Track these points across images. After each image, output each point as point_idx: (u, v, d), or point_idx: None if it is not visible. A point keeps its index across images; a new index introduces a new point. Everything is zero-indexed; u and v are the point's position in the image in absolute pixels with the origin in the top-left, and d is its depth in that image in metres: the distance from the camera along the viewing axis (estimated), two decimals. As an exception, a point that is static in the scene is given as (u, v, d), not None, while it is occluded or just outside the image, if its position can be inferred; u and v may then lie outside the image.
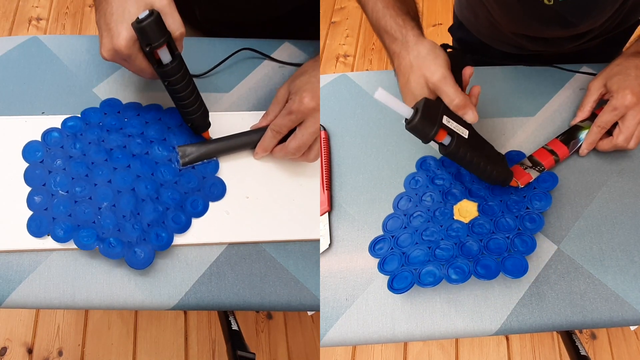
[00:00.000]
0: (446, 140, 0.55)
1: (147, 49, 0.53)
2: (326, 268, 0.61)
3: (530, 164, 0.64)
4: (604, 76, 0.66)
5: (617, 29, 0.76)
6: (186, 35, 0.57)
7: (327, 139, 0.69)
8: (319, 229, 0.62)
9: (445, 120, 0.55)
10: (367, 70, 1.76)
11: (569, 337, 0.90)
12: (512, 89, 0.73)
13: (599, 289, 0.58)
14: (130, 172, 0.60)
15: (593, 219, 0.62)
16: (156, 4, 0.54)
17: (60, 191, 0.58)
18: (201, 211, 0.60)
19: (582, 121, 0.67)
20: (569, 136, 0.66)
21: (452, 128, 0.55)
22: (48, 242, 0.56)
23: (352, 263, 0.61)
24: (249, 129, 0.65)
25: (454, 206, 0.62)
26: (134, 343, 1.27)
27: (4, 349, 1.23)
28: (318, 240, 0.61)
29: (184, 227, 0.59)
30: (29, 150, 0.61)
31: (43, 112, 0.66)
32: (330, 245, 0.62)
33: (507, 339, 1.29)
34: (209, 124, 0.63)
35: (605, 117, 0.64)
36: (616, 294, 0.57)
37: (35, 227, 0.57)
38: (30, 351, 1.24)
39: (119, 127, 0.64)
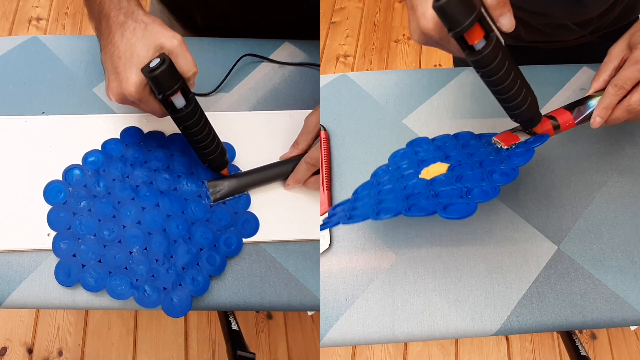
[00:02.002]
0: (479, 43, 0.44)
1: (160, 97, 0.52)
2: (326, 268, 0.61)
3: (521, 129, 0.57)
4: (627, 36, 0.57)
5: (614, 24, 0.76)
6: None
7: (327, 139, 0.70)
8: (319, 229, 0.62)
9: (484, 13, 0.43)
10: (367, 70, 1.76)
11: (569, 337, 0.90)
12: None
13: (599, 289, 0.58)
14: (159, 212, 0.58)
15: (593, 219, 0.62)
16: (166, 45, 0.53)
17: (87, 235, 0.56)
18: (235, 249, 0.58)
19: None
20: (576, 103, 0.58)
21: (491, 25, 0.44)
22: (48, 242, 0.56)
23: (352, 263, 0.61)
24: (278, 160, 0.63)
25: (425, 168, 0.57)
26: (134, 343, 1.27)
27: (4, 349, 1.23)
28: (318, 240, 0.61)
29: (219, 269, 0.57)
30: (50, 192, 0.59)
31: (43, 112, 0.66)
32: (330, 245, 0.62)
33: (507, 339, 1.29)
34: (227, 162, 0.61)
35: (625, 74, 0.54)
36: (616, 294, 0.57)
37: (64, 276, 0.55)
38: (30, 351, 1.24)
39: (143, 160, 0.62)
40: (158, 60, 0.51)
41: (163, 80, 0.51)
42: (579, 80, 0.73)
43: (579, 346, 0.87)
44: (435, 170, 0.56)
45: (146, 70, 0.51)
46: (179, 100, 0.53)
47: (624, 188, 0.64)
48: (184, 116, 0.54)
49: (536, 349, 1.28)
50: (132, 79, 0.51)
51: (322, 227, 0.57)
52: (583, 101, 0.58)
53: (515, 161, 0.51)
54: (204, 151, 0.58)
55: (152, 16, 0.55)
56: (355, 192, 0.63)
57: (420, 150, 0.64)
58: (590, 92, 0.59)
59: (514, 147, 0.55)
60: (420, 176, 0.56)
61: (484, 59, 0.45)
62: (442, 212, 0.47)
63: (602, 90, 0.58)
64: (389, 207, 0.52)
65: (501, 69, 0.45)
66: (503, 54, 0.45)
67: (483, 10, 0.43)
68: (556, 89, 0.72)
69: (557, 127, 0.56)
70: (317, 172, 0.62)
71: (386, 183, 0.59)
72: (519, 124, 0.54)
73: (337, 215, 0.59)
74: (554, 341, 1.29)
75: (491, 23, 0.44)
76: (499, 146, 0.56)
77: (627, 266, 0.59)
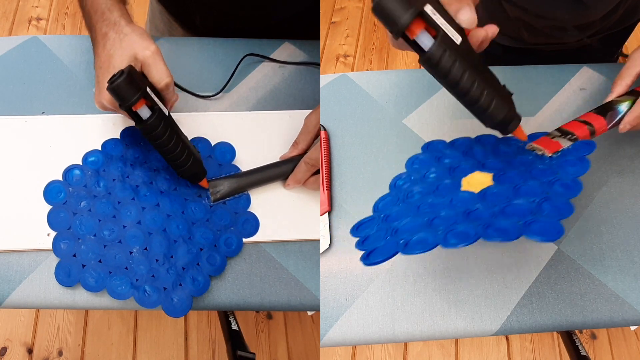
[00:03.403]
0: (426, 40, 0.42)
1: (124, 109, 0.53)
2: (326, 268, 0.61)
3: (558, 134, 0.55)
4: None
5: (616, 26, 0.77)
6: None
7: (327, 139, 0.70)
8: (319, 229, 0.62)
9: (430, 10, 0.41)
10: (367, 70, 1.76)
11: (569, 337, 0.90)
12: (512, 89, 0.72)
13: (599, 289, 0.58)
14: (160, 212, 0.58)
15: (593, 219, 0.62)
16: (139, 56, 0.54)
17: (87, 235, 0.56)
18: (235, 249, 0.58)
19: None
20: (605, 108, 0.57)
21: (437, 23, 0.41)
22: (48, 242, 0.56)
23: (352, 263, 0.61)
24: (278, 160, 0.63)
25: (463, 179, 0.52)
26: (134, 343, 1.27)
27: (4, 349, 1.23)
28: (318, 240, 0.61)
29: (219, 268, 0.57)
30: (50, 192, 0.59)
31: (43, 112, 0.66)
32: (330, 245, 0.62)
33: (507, 339, 1.29)
34: (204, 172, 0.60)
35: None
36: (616, 294, 0.57)
37: (65, 276, 0.55)
38: (30, 351, 1.24)
39: (143, 160, 0.62)
40: (118, 72, 0.52)
41: (121, 92, 0.52)
42: (579, 80, 0.73)
43: (579, 346, 0.87)
44: (479, 181, 0.51)
45: (109, 82, 0.52)
46: (143, 112, 0.54)
47: (624, 188, 0.64)
48: (147, 127, 0.54)
49: (536, 349, 1.28)
50: (105, 90, 0.53)
51: (370, 262, 0.47)
52: (612, 106, 0.57)
53: (570, 171, 0.49)
54: (174, 163, 0.58)
55: (134, 26, 0.57)
56: (377, 209, 0.58)
57: (442, 155, 0.60)
58: (613, 96, 0.59)
59: (559, 154, 0.53)
60: (463, 188, 0.51)
61: (431, 59, 0.43)
62: (528, 232, 0.42)
63: (625, 95, 0.58)
64: (461, 232, 0.44)
65: (450, 67, 0.43)
66: (452, 53, 0.43)
67: (430, 7, 0.41)
68: (556, 89, 0.72)
69: (592, 133, 0.55)
70: (317, 172, 0.62)
71: (422, 196, 0.53)
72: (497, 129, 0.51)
73: (372, 239, 0.50)
74: (554, 341, 1.29)
75: (442, 20, 0.42)
76: (540, 153, 0.53)
77: (627, 266, 0.59)
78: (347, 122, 0.71)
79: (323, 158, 0.67)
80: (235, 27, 0.80)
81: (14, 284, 0.56)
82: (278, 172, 0.62)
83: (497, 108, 0.46)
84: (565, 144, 0.53)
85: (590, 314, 0.56)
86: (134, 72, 0.53)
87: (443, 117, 0.70)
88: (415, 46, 0.43)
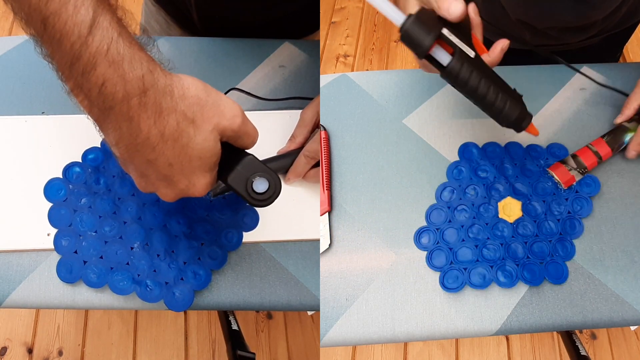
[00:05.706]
0: (444, 58, 0.48)
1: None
2: (326, 268, 0.61)
3: (574, 165, 0.63)
4: None
5: (618, 27, 0.76)
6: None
7: (327, 139, 0.70)
8: (319, 229, 0.62)
9: (447, 32, 0.48)
10: (367, 70, 1.76)
11: (569, 337, 0.90)
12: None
13: (599, 289, 0.58)
14: (160, 208, 0.59)
15: (593, 219, 0.62)
16: (227, 131, 0.45)
17: (88, 232, 0.57)
18: (236, 243, 0.59)
19: (628, 122, 0.65)
20: (615, 138, 0.65)
21: (454, 42, 0.48)
22: (48, 242, 0.56)
23: (352, 263, 0.61)
24: (276, 154, 0.63)
25: (499, 203, 0.62)
26: (134, 343, 1.27)
27: (4, 349, 1.24)
28: (318, 240, 0.61)
29: (221, 262, 0.57)
30: (51, 189, 0.59)
31: (43, 112, 0.66)
32: (330, 245, 0.62)
33: (507, 339, 1.29)
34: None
35: None
36: (616, 294, 0.57)
37: (66, 272, 0.55)
38: (30, 351, 1.24)
39: None
40: (265, 184, 0.46)
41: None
42: (579, 80, 0.73)
43: (579, 346, 0.87)
44: (511, 207, 0.62)
45: (251, 196, 0.45)
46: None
47: (623, 188, 0.64)
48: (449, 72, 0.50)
49: (536, 349, 1.28)
50: (203, 182, 0.44)
51: (447, 288, 0.58)
52: (620, 137, 0.65)
53: (578, 210, 0.62)
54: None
55: (191, 82, 0.45)
56: (429, 220, 0.63)
57: (477, 167, 0.65)
58: (622, 119, 0.65)
59: (572, 187, 0.63)
60: (500, 215, 0.62)
61: (451, 72, 0.49)
62: (548, 275, 0.58)
63: (635, 122, 0.65)
64: (508, 272, 0.58)
65: (467, 77, 0.49)
66: (468, 65, 0.48)
67: (446, 29, 0.47)
68: (556, 88, 0.72)
69: (599, 162, 0.63)
70: (316, 165, 0.62)
71: (467, 219, 0.62)
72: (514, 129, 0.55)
73: (437, 257, 0.60)
74: (554, 341, 1.29)
75: (456, 39, 0.48)
76: (557, 184, 0.63)
77: (627, 266, 0.59)
78: (347, 122, 0.71)
79: (323, 158, 0.67)
80: (235, 26, 0.80)
81: (14, 284, 0.56)
82: (277, 165, 0.63)
83: (510, 109, 0.51)
84: (577, 177, 0.63)
85: (590, 314, 0.57)
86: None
87: (443, 117, 0.70)
88: (437, 63, 0.50)
